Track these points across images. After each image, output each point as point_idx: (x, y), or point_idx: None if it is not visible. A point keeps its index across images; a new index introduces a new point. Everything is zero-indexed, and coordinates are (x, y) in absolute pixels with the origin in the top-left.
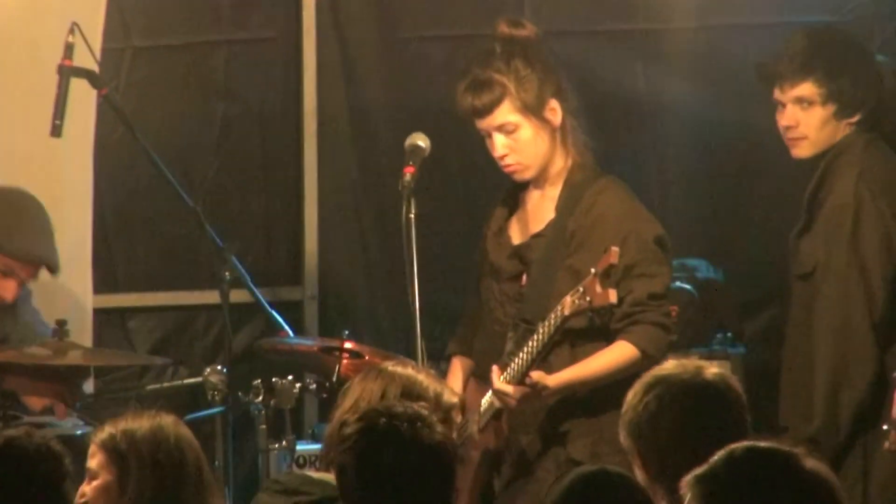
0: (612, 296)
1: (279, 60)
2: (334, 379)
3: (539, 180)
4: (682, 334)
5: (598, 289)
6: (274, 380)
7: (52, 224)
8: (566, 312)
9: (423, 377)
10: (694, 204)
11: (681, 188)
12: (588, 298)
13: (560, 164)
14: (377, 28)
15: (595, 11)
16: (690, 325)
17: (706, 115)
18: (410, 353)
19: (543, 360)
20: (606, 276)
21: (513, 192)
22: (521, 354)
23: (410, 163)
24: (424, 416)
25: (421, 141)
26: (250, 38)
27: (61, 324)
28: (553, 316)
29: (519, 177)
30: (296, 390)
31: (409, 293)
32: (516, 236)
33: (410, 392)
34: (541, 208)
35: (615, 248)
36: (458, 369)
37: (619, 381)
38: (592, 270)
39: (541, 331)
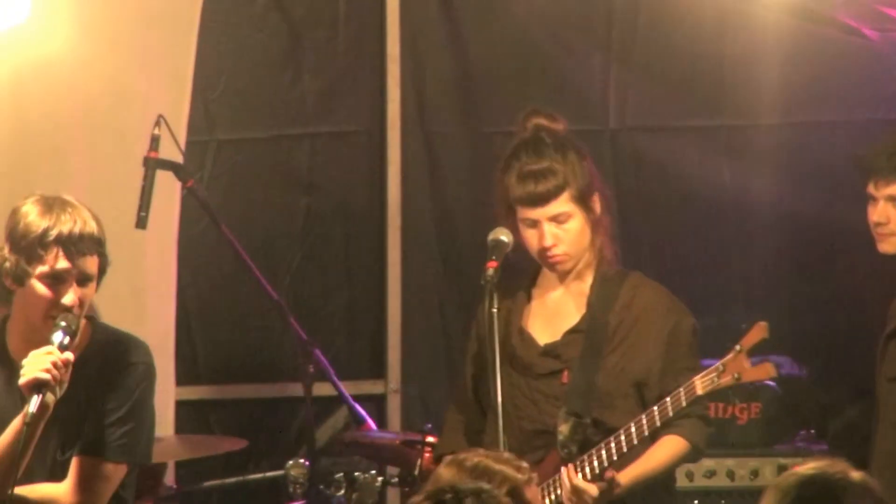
0: (771, 370)
1: (363, 154)
2: (416, 472)
3: (563, 275)
4: (765, 431)
5: (747, 364)
6: (356, 473)
7: None
8: (699, 392)
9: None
10: (778, 300)
11: (765, 284)
12: (736, 375)
13: (588, 257)
14: (462, 122)
15: (681, 107)
16: (774, 423)
17: (791, 212)
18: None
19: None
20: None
21: (514, 290)
22: (606, 449)
23: (493, 257)
24: (488, 489)
25: (504, 236)
26: (335, 131)
27: None
28: (673, 400)
29: (561, 267)
30: (378, 484)
31: (492, 388)
32: (543, 335)
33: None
34: (567, 304)
35: (763, 323)
36: None
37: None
38: (738, 347)
39: (645, 421)
